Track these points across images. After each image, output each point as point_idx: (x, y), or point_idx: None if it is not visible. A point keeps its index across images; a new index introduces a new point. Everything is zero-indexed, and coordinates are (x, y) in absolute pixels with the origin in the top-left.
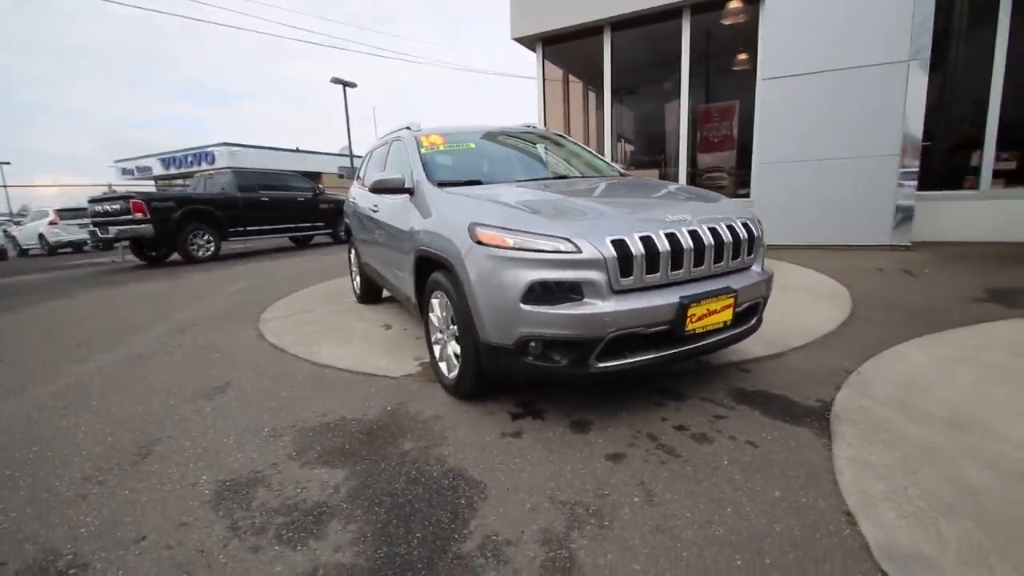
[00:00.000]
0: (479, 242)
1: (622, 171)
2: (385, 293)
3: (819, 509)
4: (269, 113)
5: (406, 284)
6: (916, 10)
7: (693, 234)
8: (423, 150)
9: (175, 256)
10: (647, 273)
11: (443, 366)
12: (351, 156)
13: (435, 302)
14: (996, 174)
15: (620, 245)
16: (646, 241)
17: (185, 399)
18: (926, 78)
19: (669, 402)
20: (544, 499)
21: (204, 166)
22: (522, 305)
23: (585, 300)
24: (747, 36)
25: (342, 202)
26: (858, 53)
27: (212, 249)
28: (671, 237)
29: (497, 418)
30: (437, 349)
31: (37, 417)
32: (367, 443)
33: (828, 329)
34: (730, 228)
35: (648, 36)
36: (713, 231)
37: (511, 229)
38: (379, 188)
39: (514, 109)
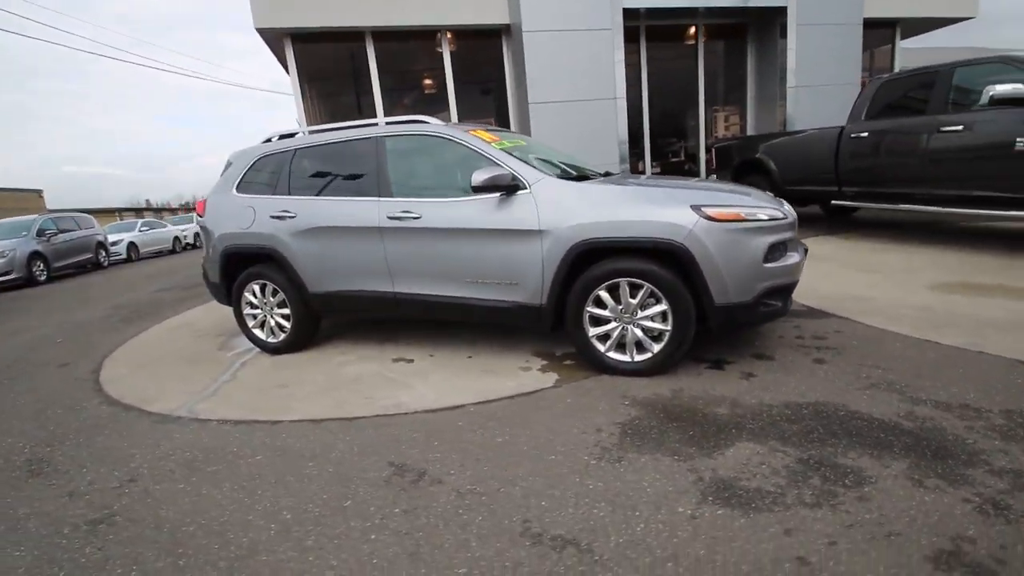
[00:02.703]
0: (712, 219)
1: None
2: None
3: (942, 345)
4: None
5: (525, 288)
6: (615, 63)
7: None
8: (495, 146)
9: None
10: None
11: (615, 355)
12: None
13: (603, 295)
14: (655, 174)
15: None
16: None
17: (403, 500)
18: (625, 110)
19: (761, 331)
20: (887, 392)
21: None
22: (764, 264)
23: (788, 253)
24: (501, 61)
25: None
26: (594, 90)
27: None
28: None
29: (711, 373)
30: (601, 344)
31: None
32: (697, 427)
33: None
34: None
35: (413, 50)
36: None
37: (740, 206)
38: (487, 186)
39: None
